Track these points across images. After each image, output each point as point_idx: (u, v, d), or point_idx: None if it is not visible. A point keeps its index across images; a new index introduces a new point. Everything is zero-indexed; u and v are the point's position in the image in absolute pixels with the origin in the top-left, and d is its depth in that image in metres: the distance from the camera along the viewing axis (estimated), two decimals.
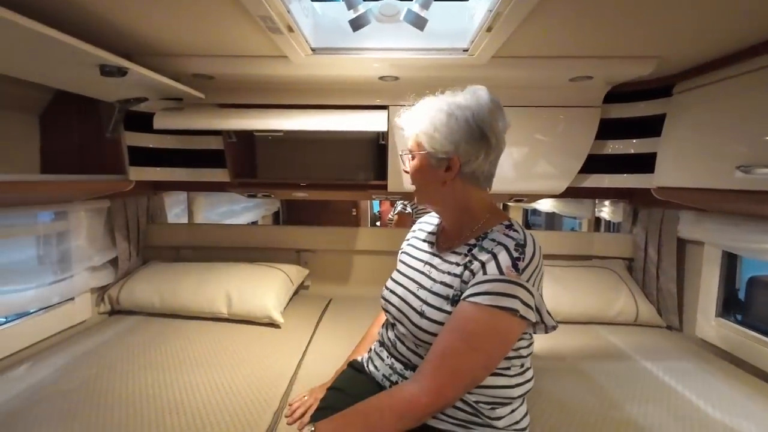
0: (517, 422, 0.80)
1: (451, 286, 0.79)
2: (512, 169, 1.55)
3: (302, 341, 1.47)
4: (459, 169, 0.78)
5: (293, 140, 1.94)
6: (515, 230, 0.77)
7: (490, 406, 0.78)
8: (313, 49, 1.12)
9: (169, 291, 1.66)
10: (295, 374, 1.25)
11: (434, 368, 0.71)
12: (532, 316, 0.72)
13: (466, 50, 1.11)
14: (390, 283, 0.95)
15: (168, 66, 1.30)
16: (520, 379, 0.80)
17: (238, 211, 3.28)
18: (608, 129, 1.48)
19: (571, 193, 1.63)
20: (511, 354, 0.78)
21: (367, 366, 0.97)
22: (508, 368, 0.79)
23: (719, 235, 1.35)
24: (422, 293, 0.84)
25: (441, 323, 0.76)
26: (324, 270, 2.08)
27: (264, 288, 1.67)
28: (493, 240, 0.77)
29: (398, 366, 0.88)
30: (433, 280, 0.84)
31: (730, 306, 1.45)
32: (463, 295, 0.73)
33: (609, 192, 1.73)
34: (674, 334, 1.60)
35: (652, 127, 1.41)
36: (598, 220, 2.89)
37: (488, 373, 0.75)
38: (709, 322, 1.47)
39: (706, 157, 1.17)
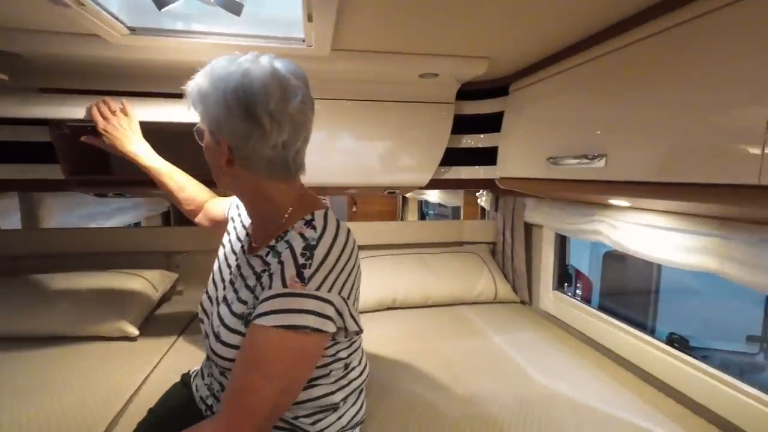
0: (344, 427, 0.78)
1: (245, 302, 0.69)
2: (378, 162, 1.58)
3: (158, 352, 1.36)
4: (230, 152, 0.66)
5: (152, 131, 1.75)
6: (313, 227, 0.68)
7: (312, 419, 0.74)
8: (131, 29, 1.00)
9: None
10: (139, 390, 1.14)
11: (228, 407, 0.62)
12: (331, 327, 0.64)
13: (304, 41, 1.09)
14: (210, 286, 0.84)
15: None
16: (343, 382, 0.76)
17: (108, 213, 2.90)
18: (463, 124, 1.59)
19: (437, 184, 1.72)
20: (328, 360, 0.72)
21: (193, 380, 0.90)
22: (327, 375, 0.74)
23: (551, 219, 1.54)
24: (223, 309, 0.72)
25: (236, 347, 0.67)
26: (200, 272, 1.92)
27: (117, 298, 1.52)
28: (286, 242, 0.67)
29: (216, 386, 0.79)
30: (236, 292, 0.73)
31: (562, 280, 1.68)
32: (252, 316, 0.64)
33: (473, 182, 1.86)
34: (526, 308, 1.80)
35: (497, 123, 1.54)
36: (483, 208, 3.16)
37: (294, 397, 0.68)
38: (548, 296, 1.68)
39: (529, 150, 1.31)
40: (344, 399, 0.77)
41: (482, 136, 1.59)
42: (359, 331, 0.71)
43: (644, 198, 0.95)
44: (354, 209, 3.83)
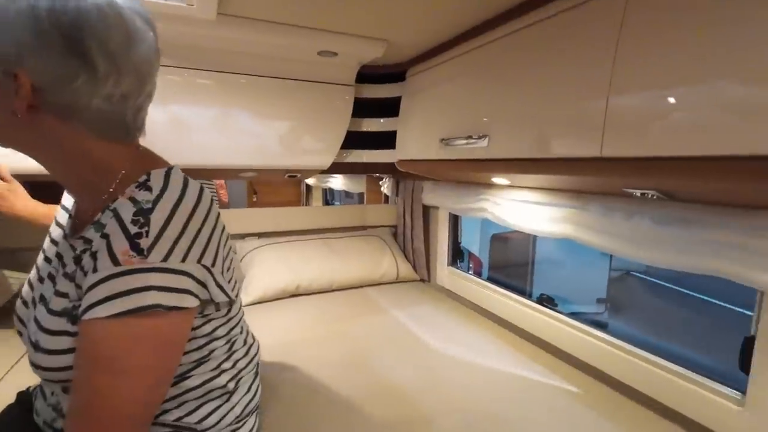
0: (239, 416, 0.71)
1: (65, 295, 0.55)
2: (277, 143, 1.51)
3: None
4: (33, 93, 0.48)
5: None
6: (148, 188, 0.54)
7: (197, 416, 0.64)
8: None
9: None
10: None
11: (80, 420, 0.50)
12: (192, 302, 0.53)
13: None
14: (25, 288, 0.66)
15: None
16: (227, 365, 0.67)
17: None
18: (363, 108, 1.61)
19: (339, 168, 1.72)
20: (204, 340, 0.61)
21: (34, 402, 0.72)
22: (207, 357, 0.63)
23: (445, 200, 1.66)
24: (40, 312, 0.57)
25: (66, 352, 0.53)
26: None
27: None
28: (113, 211, 0.53)
29: (65, 406, 0.64)
30: (54, 285, 0.59)
31: (456, 257, 1.83)
32: (80, 311, 0.51)
33: (375, 166, 1.91)
34: (425, 285, 1.91)
35: (395, 107, 1.59)
36: (386, 195, 3.27)
37: (166, 387, 0.57)
38: (444, 271, 1.81)
39: (425, 133, 1.39)
40: (234, 382, 0.69)
41: (382, 120, 1.63)
42: (230, 302, 0.62)
43: (518, 173, 1.07)
44: (254, 198, 3.61)
